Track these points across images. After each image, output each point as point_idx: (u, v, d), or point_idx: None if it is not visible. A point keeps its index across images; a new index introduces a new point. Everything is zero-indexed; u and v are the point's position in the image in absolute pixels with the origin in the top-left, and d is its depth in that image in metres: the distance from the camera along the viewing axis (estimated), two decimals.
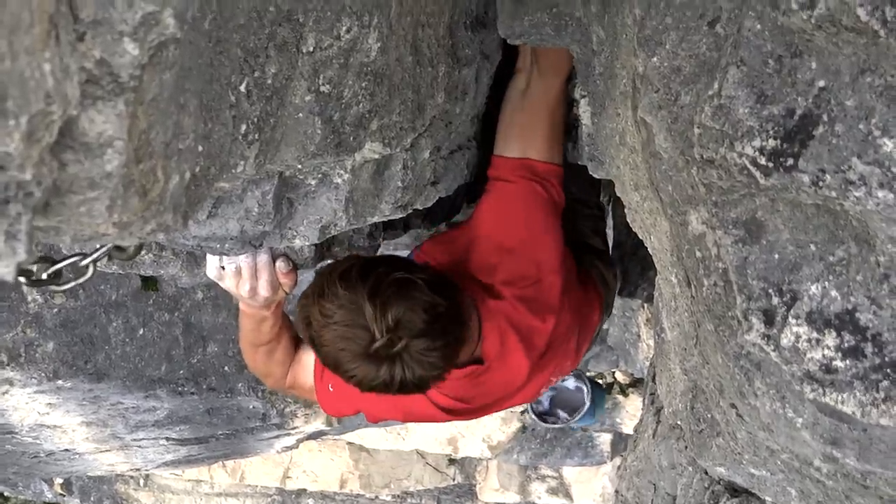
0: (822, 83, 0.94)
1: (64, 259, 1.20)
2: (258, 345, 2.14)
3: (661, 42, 1.12)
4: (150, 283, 2.98)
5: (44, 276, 1.16)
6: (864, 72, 0.92)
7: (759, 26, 0.96)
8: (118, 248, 1.28)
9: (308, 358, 2.22)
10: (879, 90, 0.91)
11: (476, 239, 2.13)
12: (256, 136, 1.19)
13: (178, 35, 0.76)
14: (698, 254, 1.15)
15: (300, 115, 1.31)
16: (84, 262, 1.24)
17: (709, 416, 1.58)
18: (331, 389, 2.15)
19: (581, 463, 5.10)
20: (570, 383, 3.17)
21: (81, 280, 1.26)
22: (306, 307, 1.74)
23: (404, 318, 1.64)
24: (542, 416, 3.02)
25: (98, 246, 1.26)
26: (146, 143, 0.81)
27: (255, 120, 1.17)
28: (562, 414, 2.57)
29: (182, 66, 0.84)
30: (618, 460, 4.97)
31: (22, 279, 1.15)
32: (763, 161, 0.97)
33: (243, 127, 1.14)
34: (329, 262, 2.01)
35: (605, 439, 4.72)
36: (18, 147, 0.62)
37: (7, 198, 0.71)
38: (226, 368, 3.23)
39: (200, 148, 0.99)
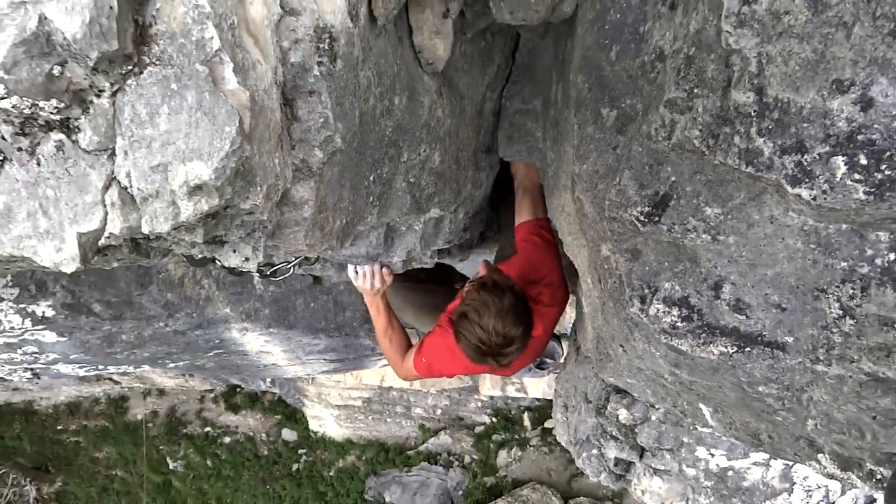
0: (673, 178, 1.57)
1: (279, 264, 1.92)
2: (383, 330, 3.05)
3: (588, 157, 1.77)
4: (316, 279, 4.64)
5: (268, 272, 1.89)
6: (696, 172, 1.55)
7: (640, 149, 1.59)
8: (306, 259, 2.01)
9: (408, 361, 3.05)
10: (704, 181, 1.55)
11: (520, 271, 2.84)
12: (377, 203, 1.92)
13: (342, 147, 1.44)
14: (605, 266, 1.79)
15: (399, 193, 2.06)
16: (289, 266, 1.96)
17: (606, 351, 2.22)
18: (423, 361, 2.96)
19: (532, 376, 7.60)
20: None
21: (287, 276, 2.01)
22: (465, 307, 2.46)
23: (511, 333, 2.37)
24: (539, 366, 3.74)
25: (296, 258, 1.99)
26: (324, 203, 1.49)
27: (377, 195, 1.89)
28: (548, 361, 3.20)
29: (342, 164, 1.53)
30: (553, 375, 7.31)
31: (256, 274, 1.88)
32: (642, 218, 1.61)
33: (371, 198, 1.86)
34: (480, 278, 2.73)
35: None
36: (261, 202, 1.28)
37: (254, 228, 1.38)
38: (354, 324, 5.14)
39: (350, 208, 1.70)
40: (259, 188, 1.15)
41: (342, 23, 1.38)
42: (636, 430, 2.85)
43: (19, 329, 4.79)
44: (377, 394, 9.67)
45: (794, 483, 2.73)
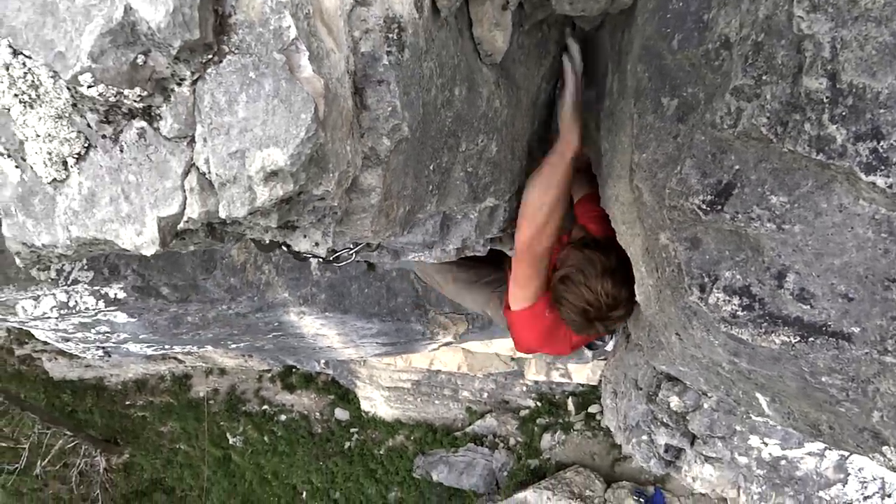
0: (737, 167, 1.51)
1: (341, 250, 1.92)
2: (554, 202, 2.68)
3: (648, 146, 1.72)
4: (370, 266, 4.78)
5: (331, 258, 1.88)
6: (760, 161, 1.49)
7: (703, 137, 1.54)
8: (368, 245, 2.00)
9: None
10: (770, 170, 1.48)
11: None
12: (436, 192, 1.90)
13: (408, 136, 1.43)
14: (663, 255, 1.74)
15: (457, 182, 2.03)
16: (350, 252, 1.96)
17: (658, 339, 2.17)
18: (546, 316, 2.68)
19: (577, 362, 8.18)
20: None
21: (349, 261, 1.99)
22: (568, 269, 2.42)
23: (621, 295, 2.30)
24: (588, 347, 3.67)
25: (358, 244, 1.98)
26: (389, 191, 1.48)
27: (437, 183, 1.87)
28: (598, 343, 3.14)
29: (406, 153, 1.52)
30: (597, 361, 8.03)
31: (317, 260, 1.88)
32: (704, 207, 1.55)
33: (430, 187, 1.84)
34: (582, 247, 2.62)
35: (589, 352, 7.12)
36: (333, 188, 1.27)
37: (325, 214, 1.37)
38: (406, 310, 5.25)
39: (412, 195, 1.68)
40: (331, 175, 1.14)
41: (409, 13, 1.36)
42: (687, 418, 2.79)
43: (93, 310, 4.93)
44: (426, 377, 9.73)
45: (849, 474, 2.63)
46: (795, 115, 1.34)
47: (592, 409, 9.58)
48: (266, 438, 11.16)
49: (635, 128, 1.81)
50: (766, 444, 2.66)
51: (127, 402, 11.27)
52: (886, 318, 1.43)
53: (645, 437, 2.98)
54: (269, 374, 10.96)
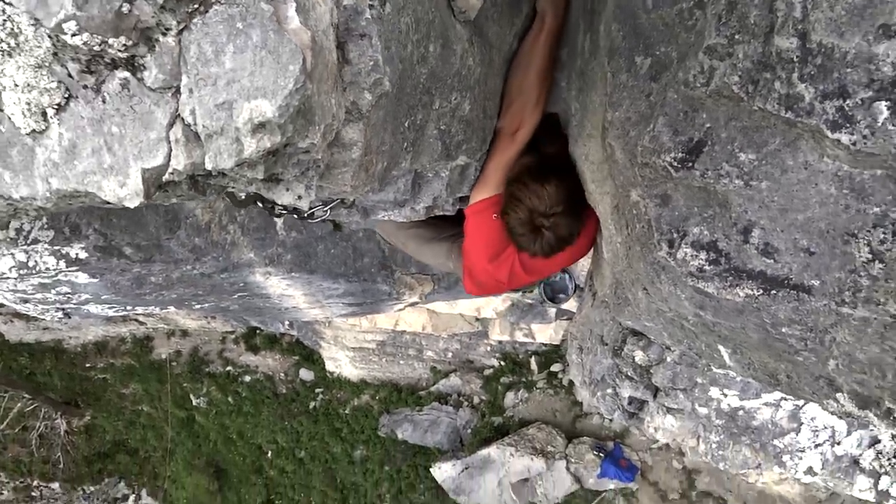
0: (708, 125, 1.56)
1: (315, 206, 1.93)
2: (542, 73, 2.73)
3: (621, 105, 1.75)
4: (337, 226, 4.68)
5: (305, 214, 1.89)
6: (731, 119, 1.54)
7: (675, 96, 1.58)
8: (342, 202, 2.01)
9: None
10: (739, 128, 1.53)
11: None
12: (411, 149, 1.91)
13: (389, 90, 1.44)
14: (634, 211, 1.80)
15: (431, 140, 2.04)
16: (325, 208, 1.97)
17: (625, 295, 2.25)
18: (494, 218, 2.76)
19: (540, 322, 8.39)
20: (558, 276, 3.99)
21: (323, 218, 2.00)
22: (521, 172, 2.53)
23: (569, 201, 2.41)
24: (550, 300, 3.78)
25: (332, 200, 1.99)
26: (369, 145, 1.49)
27: (411, 140, 1.89)
28: (561, 296, 3.25)
29: (386, 108, 1.53)
30: (560, 321, 8.36)
31: (295, 215, 1.88)
32: (675, 164, 1.60)
33: (405, 144, 1.85)
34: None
35: (552, 312, 7.83)
36: (318, 141, 1.28)
37: (308, 167, 1.38)
38: (372, 270, 5.23)
39: (389, 151, 1.70)
40: (317, 127, 1.15)
41: None
42: (651, 371, 2.90)
43: (53, 270, 4.84)
44: (391, 337, 9.80)
45: (802, 423, 2.78)
46: (766, 74, 1.38)
47: (554, 367, 9.79)
48: (230, 399, 11.17)
49: (609, 87, 1.84)
50: (725, 396, 2.79)
51: (87, 365, 11.12)
52: (845, 270, 1.51)
53: (610, 391, 3.09)
54: (233, 336, 10.92)
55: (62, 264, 4.90)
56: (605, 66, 1.93)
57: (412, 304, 7.18)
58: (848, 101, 1.27)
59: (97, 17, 0.98)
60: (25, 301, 5.66)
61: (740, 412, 2.82)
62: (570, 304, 7.07)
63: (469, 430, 10.32)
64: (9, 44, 1.08)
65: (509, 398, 10.01)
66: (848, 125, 1.29)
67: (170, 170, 1.14)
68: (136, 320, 10.31)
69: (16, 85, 1.15)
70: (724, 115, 1.53)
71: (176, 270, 5.36)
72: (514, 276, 2.86)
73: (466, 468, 9.92)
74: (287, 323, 9.86)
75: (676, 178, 1.65)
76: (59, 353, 10.96)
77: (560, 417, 9.94)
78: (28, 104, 1.17)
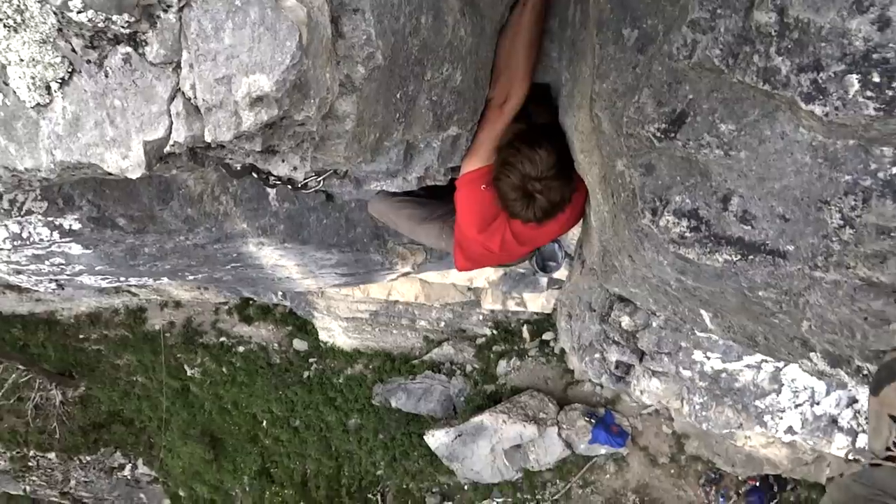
0: (690, 96, 1.62)
1: (308, 177, 1.99)
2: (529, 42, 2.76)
3: (608, 76, 1.80)
4: (329, 197, 4.69)
5: (299, 185, 1.95)
6: (712, 90, 1.59)
7: (660, 68, 1.63)
8: (335, 172, 2.06)
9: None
10: (720, 99, 1.59)
11: None
12: (403, 120, 1.96)
13: (382, 64, 1.49)
14: (619, 181, 1.86)
15: (423, 111, 2.09)
16: (318, 179, 2.02)
17: (612, 263, 2.33)
18: (483, 189, 2.81)
19: (532, 291, 8.28)
20: (548, 246, 4.04)
21: (317, 188, 2.06)
22: (515, 139, 2.59)
23: (560, 166, 2.46)
24: (542, 269, 3.84)
25: (325, 171, 2.05)
26: (362, 117, 1.54)
27: (403, 111, 1.93)
28: (551, 264, 3.33)
29: (378, 81, 1.57)
30: (551, 290, 8.16)
31: (289, 186, 1.94)
32: (659, 134, 1.67)
33: (397, 115, 1.90)
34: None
35: (544, 281, 7.69)
36: (314, 114, 1.33)
37: (303, 139, 1.44)
38: (365, 240, 5.25)
39: (381, 122, 1.75)
40: (312, 100, 1.20)
41: None
42: (637, 336, 2.99)
43: (47, 241, 4.88)
44: (384, 307, 9.89)
45: (783, 385, 2.88)
46: (746, 48, 1.44)
47: (546, 336, 9.92)
48: (224, 370, 11.27)
49: (596, 58, 1.89)
50: (708, 359, 2.89)
51: (81, 336, 11.18)
52: (818, 236, 1.58)
53: (597, 356, 3.19)
54: (226, 307, 10.99)
55: (56, 235, 4.94)
56: (594, 37, 1.98)
57: (405, 274, 7.26)
58: (822, 74, 1.33)
59: None
60: (19, 272, 5.70)
61: (723, 374, 2.93)
62: (561, 273, 7.18)
63: (462, 398, 10.48)
64: (14, 20, 1.13)
65: (501, 366, 10.16)
66: (821, 97, 1.35)
67: (171, 142, 1.20)
68: (128, 291, 10.35)
69: (21, 60, 1.20)
70: (705, 87, 1.58)
71: (169, 241, 5.40)
72: (506, 245, 2.91)
73: (459, 435, 10.10)
74: (280, 293, 9.93)
75: (660, 148, 1.71)
76: (53, 324, 11.01)
77: (552, 385, 10.10)
78: (33, 78, 1.22)
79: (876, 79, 1.27)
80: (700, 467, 9.25)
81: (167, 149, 1.22)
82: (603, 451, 9.49)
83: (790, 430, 3.07)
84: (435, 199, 4.07)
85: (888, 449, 1.59)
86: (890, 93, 1.27)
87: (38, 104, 1.25)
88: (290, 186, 1.95)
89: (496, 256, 3.14)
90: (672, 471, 9.40)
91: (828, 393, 2.91)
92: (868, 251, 1.53)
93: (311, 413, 11.28)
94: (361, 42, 1.38)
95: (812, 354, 1.88)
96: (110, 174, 1.31)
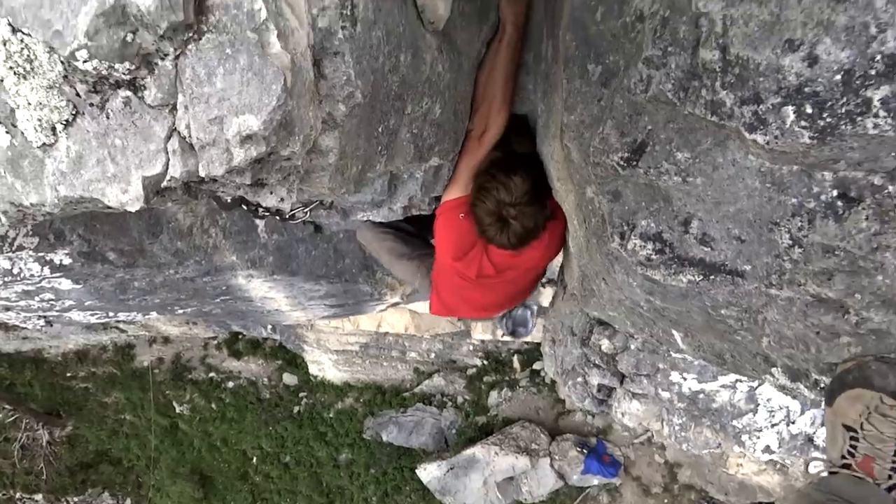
0: (649, 127, 1.75)
1: (295, 208, 2.11)
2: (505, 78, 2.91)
3: (575, 108, 1.95)
4: (317, 228, 4.76)
5: (287, 216, 2.07)
6: (669, 121, 1.73)
7: (621, 101, 1.77)
8: (321, 203, 2.19)
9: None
10: (676, 130, 1.73)
11: None
12: (385, 152, 2.09)
13: (362, 101, 1.62)
14: (590, 207, 1.99)
15: (404, 143, 2.23)
16: (305, 210, 2.14)
17: (590, 287, 2.45)
18: (461, 217, 2.94)
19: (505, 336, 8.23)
20: (520, 310, 4.08)
21: (303, 219, 2.18)
22: (490, 167, 2.73)
23: (534, 191, 2.58)
24: (511, 333, 3.91)
25: (311, 202, 2.17)
26: (345, 151, 1.67)
27: (385, 144, 2.07)
28: (520, 330, 3.43)
29: (359, 117, 1.71)
30: (540, 319, 7.53)
31: (277, 217, 2.06)
32: (622, 163, 1.80)
33: (380, 148, 2.04)
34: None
35: (534, 308, 7.18)
36: (298, 149, 1.46)
37: (290, 173, 1.56)
38: (353, 271, 5.29)
39: (364, 155, 1.88)
40: (297, 137, 1.33)
41: None
42: (617, 359, 3.10)
43: (38, 276, 4.95)
44: (374, 339, 9.96)
45: (759, 404, 2.99)
46: (694, 82, 1.58)
47: (537, 365, 9.99)
48: (214, 406, 11.27)
49: (564, 91, 2.04)
50: (685, 379, 3.00)
51: (68, 374, 11.18)
52: (771, 256, 1.71)
53: (580, 379, 3.29)
54: (215, 342, 11.02)
55: (46, 270, 5.03)
56: (562, 72, 2.13)
57: (394, 305, 7.35)
58: (761, 106, 1.47)
59: (106, 47, 1.16)
60: (8, 309, 5.76)
61: (700, 395, 3.03)
62: (537, 335, 7.24)
63: (454, 431, 10.50)
64: (24, 68, 1.26)
65: (493, 397, 10.22)
66: (762, 127, 1.49)
67: (167, 177, 1.32)
68: (116, 328, 10.39)
69: (28, 103, 1.32)
70: (662, 119, 1.72)
71: (159, 275, 5.49)
72: (483, 272, 3.02)
73: (452, 468, 10.10)
74: (269, 327, 9.99)
75: (624, 176, 1.84)
76: (40, 362, 11.01)
77: (543, 415, 10.15)
78: (39, 120, 1.34)
79: (809, 110, 1.41)
80: (693, 496, 9.28)
81: (164, 183, 1.35)
82: (595, 482, 9.51)
83: (767, 449, 3.17)
84: (419, 238, 4.20)
85: (843, 457, 1.70)
86: (821, 122, 1.41)
87: (44, 144, 1.38)
88: (278, 217, 2.07)
89: (472, 297, 3.22)
90: (665, 500, 9.43)
91: (802, 412, 3.01)
92: (816, 269, 1.66)
93: (302, 448, 11.26)
94: (342, 82, 1.52)
95: (774, 370, 1.99)
96: (109, 208, 1.43)
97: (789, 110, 1.44)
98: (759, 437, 3.11)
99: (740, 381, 2.89)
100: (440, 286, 3.20)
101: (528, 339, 9.38)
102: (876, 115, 1.35)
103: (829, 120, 1.41)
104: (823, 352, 1.78)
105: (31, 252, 4.79)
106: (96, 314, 6.12)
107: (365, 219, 3.37)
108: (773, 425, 3.04)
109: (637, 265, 1.91)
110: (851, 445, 1.69)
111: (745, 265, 1.77)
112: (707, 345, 2.19)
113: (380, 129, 2.08)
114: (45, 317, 6.09)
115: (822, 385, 1.92)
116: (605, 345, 2.99)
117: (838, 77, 1.36)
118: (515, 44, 2.82)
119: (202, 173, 1.29)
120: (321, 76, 1.48)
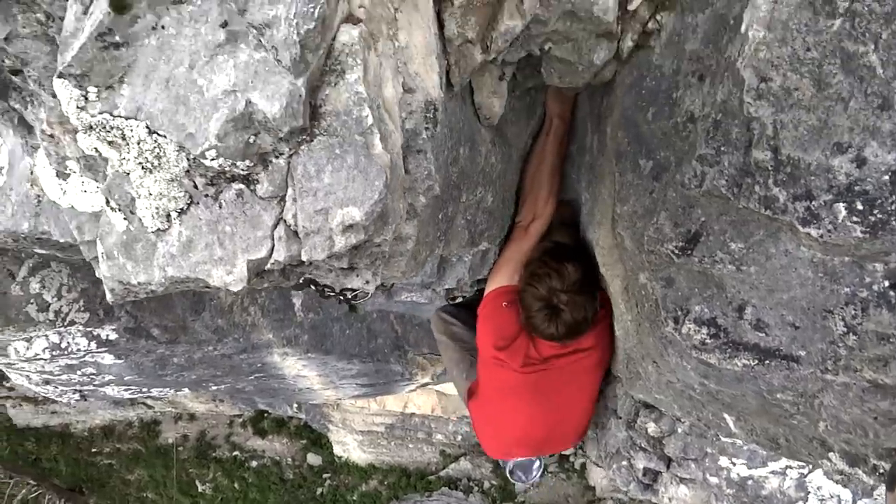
0: (703, 218, 1.88)
1: (357, 290, 2.24)
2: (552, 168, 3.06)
3: (628, 200, 2.09)
4: (352, 307, 4.86)
5: (349, 296, 2.20)
6: (722, 214, 1.86)
7: (674, 194, 1.91)
8: (382, 285, 2.32)
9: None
10: (729, 221, 1.85)
11: None
12: (443, 238, 2.24)
13: (439, 193, 1.77)
14: (643, 292, 2.10)
15: (459, 229, 2.38)
16: (367, 292, 2.27)
17: (636, 370, 2.51)
18: (504, 306, 2.99)
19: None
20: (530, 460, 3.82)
21: (366, 299, 2.30)
22: (541, 259, 2.80)
23: (585, 282, 2.66)
24: (510, 473, 3.69)
25: (374, 286, 2.31)
26: (419, 238, 1.81)
27: (444, 230, 2.22)
28: (520, 474, 3.37)
29: (433, 206, 1.86)
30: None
31: (341, 297, 2.19)
32: (677, 252, 1.92)
33: (439, 234, 2.18)
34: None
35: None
36: (389, 237, 1.59)
37: (377, 257, 1.70)
38: (385, 350, 5.41)
39: (431, 241, 2.03)
40: (390, 227, 1.47)
41: (439, 96, 1.71)
42: (664, 442, 3.13)
43: (84, 351, 5.10)
44: (400, 420, 9.91)
45: (809, 492, 2.98)
46: (748, 179, 1.72)
47: (566, 450, 9.85)
48: (236, 485, 11.17)
49: (616, 184, 2.18)
50: (734, 465, 3.00)
51: (93, 450, 11.20)
52: (825, 342, 1.80)
53: (625, 463, 3.31)
54: (241, 419, 11.04)
55: (93, 345, 5.19)
56: (613, 165, 2.28)
57: (424, 385, 7.39)
58: (813, 203, 1.60)
59: (232, 147, 1.32)
60: (48, 382, 5.91)
61: (749, 481, 3.04)
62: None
63: None
64: (152, 163, 1.42)
65: (520, 484, 10.03)
66: (815, 221, 1.61)
67: (271, 260, 1.46)
68: (144, 403, 10.47)
69: (150, 194, 1.48)
70: (715, 211, 1.85)
71: (198, 351, 5.63)
72: (530, 359, 2.99)
73: None
74: (295, 406, 10.00)
75: (678, 264, 1.96)
76: (66, 437, 11.07)
77: (573, 503, 9.92)
78: (157, 209, 1.50)
79: (860, 206, 1.54)
80: None
81: (267, 266, 1.49)
82: None
83: None
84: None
85: None
86: (872, 218, 1.53)
87: (159, 229, 1.53)
88: (341, 298, 2.20)
89: (516, 405, 3.12)
90: None
91: (854, 501, 2.99)
92: (871, 355, 1.74)
93: None
94: (423, 176, 1.67)
95: (831, 454, 2.04)
96: (211, 287, 1.57)
97: (841, 207, 1.56)
98: None
99: (790, 467, 2.89)
100: (482, 384, 3.20)
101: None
102: None
103: (879, 216, 1.53)
104: (882, 437, 1.83)
105: (80, 327, 4.97)
106: (130, 389, 6.23)
107: (408, 299, 3.48)
108: None
109: (692, 349, 1.99)
110: None
111: (799, 351, 1.85)
112: (761, 429, 2.25)
113: (440, 217, 2.23)
114: (80, 391, 6.21)
115: (882, 471, 1.96)
116: (652, 428, 3.03)
117: (886, 177, 1.49)
118: (562, 137, 2.99)
119: (304, 258, 1.43)
120: (406, 171, 1.64)
